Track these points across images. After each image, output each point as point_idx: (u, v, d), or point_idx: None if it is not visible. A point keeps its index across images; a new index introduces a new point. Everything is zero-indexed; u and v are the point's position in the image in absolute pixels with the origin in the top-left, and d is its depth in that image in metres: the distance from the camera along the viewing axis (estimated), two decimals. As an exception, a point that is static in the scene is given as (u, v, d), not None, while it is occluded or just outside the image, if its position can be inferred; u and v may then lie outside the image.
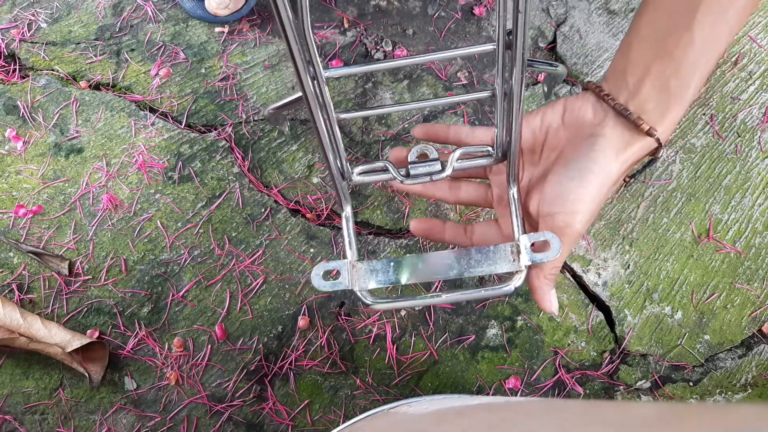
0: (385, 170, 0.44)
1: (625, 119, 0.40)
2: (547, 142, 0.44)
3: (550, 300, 0.42)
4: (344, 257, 0.43)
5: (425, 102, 0.42)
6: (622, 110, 0.40)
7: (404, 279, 0.41)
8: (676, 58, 0.38)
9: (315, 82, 0.36)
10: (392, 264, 0.41)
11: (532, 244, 0.40)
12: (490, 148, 0.44)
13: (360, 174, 0.44)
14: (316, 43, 0.78)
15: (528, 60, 0.57)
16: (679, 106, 0.39)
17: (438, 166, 0.43)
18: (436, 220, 0.50)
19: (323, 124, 0.38)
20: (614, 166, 0.40)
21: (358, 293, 0.41)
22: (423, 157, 0.44)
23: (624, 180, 0.72)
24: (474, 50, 0.39)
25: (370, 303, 0.41)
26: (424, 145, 0.45)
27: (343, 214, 0.44)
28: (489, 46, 0.38)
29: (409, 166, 0.43)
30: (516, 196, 0.44)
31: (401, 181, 0.43)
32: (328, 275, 0.41)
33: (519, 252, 0.40)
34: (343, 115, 0.41)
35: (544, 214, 0.41)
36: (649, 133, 0.39)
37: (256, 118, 0.73)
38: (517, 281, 0.40)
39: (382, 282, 0.41)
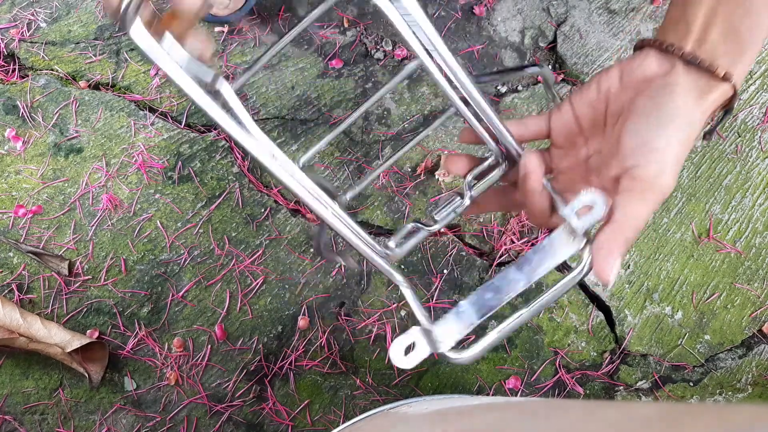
0: (417, 230, 0.44)
1: (697, 67, 0.37)
2: (609, 110, 0.41)
3: (612, 266, 0.36)
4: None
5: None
6: (691, 59, 0.37)
7: (478, 317, 0.40)
8: None
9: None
10: (461, 310, 0.40)
11: (578, 212, 0.37)
12: (499, 159, 0.43)
13: (398, 246, 0.44)
14: (316, 43, 0.78)
15: (501, 69, 0.57)
16: (751, 50, 0.37)
17: (458, 200, 0.43)
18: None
19: (339, 224, 0.38)
20: (697, 114, 0.37)
21: (448, 355, 0.39)
22: (443, 201, 0.44)
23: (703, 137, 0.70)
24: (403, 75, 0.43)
25: (461, 358, 0.39)
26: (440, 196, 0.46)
27: (402, 290, 0.42)
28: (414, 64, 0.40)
29: (434, 213, 0.44)
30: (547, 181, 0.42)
31: (435, 231, 0.44)
32: (408, 350, 0.39)
33: (570, 226, 0.37)
34: (348, 195, 0.44)
35: (626, 169, 0.37)
36: (725, 78, 0.36)
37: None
38: (585, 258, 0.37)
39: (461, 332, 0.40)
